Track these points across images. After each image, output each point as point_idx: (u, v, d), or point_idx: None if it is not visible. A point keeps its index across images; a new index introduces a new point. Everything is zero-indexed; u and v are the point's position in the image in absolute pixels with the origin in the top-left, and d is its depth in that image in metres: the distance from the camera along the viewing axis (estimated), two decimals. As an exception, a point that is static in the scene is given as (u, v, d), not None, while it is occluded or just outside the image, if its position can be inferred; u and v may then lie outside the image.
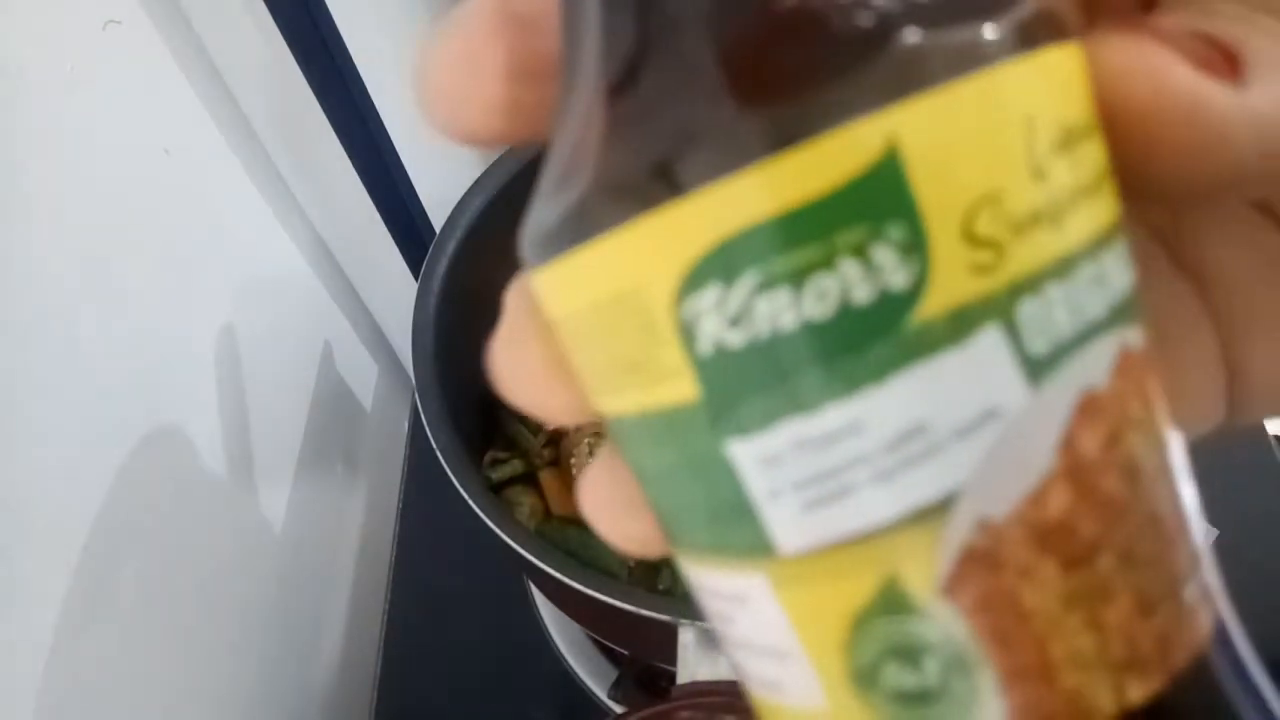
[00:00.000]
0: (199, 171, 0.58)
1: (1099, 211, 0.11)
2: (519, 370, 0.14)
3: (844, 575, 0.11)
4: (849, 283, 0.10)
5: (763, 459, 0.11)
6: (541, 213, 0.12)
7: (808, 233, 0.10)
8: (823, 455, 0.11)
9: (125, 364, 0.49)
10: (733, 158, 0.10)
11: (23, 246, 0.42)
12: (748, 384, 0.11)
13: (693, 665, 0.38)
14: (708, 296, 0.10)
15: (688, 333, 0.11)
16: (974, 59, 0.10)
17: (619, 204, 0.11)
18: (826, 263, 0.10)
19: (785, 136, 0.10)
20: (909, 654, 0.11)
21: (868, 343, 0.10)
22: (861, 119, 0.10)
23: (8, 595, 0.40)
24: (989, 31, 0.10)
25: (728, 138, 0.10)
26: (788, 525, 0.11)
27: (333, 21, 0.56)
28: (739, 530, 0.12)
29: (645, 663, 0.61)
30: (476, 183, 0.55)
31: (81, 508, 0.45)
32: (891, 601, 0.11)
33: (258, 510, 0.63)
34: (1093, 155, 0.11)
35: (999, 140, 0.10)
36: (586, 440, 0.54)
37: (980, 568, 0.11)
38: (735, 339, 0.11)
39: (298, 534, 0.68)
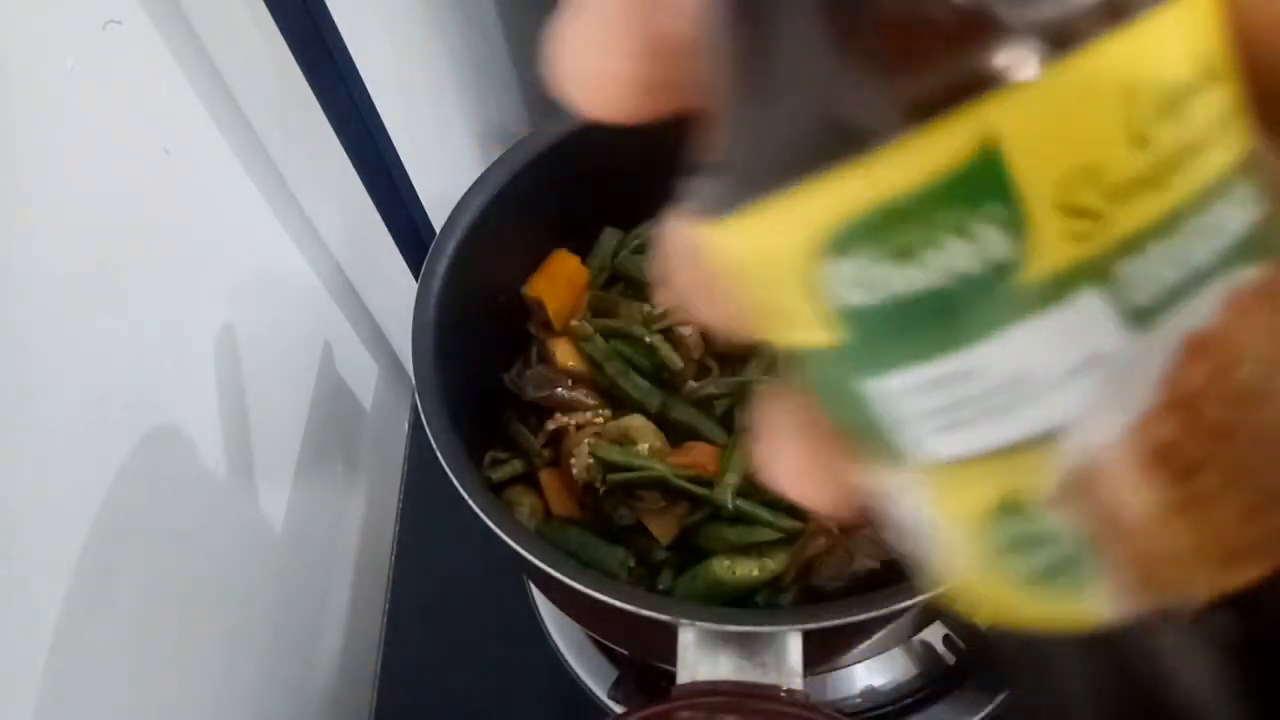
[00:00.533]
0: (199, 171, 0.58)
1: (1214, 160, 0.12)
2: (697, 295, 0.16)
3: (972, 484, 0.13)
4: (958, 254, 0.11)
5: (895, 394, 0.13)
6: (703, 182, 0.14)
7: (920, 212, 0.11)
8: (943, 394, 0.12)
9: (125, 364, 0.49)
10: (858, 141, 0.11)
11: (22, 246, 0.42)
12: (878, 336, 0.12)
13: (693, 665, 0.37)
14: (842, 262, 0.12)
15: (826, 291, 0.12)
16: (1074, 35, 0.11)
17: (770, 177, 0.12)
18: (936, 237, 0.11)
19: (905, 121, 0.11)
20: (1028, 547, 0.13)
21: (978, 305, 0.12)
22: (965, 105, 0.11)
23: (8, 595, 0.40)
24: (1090, 3, 0.11)
25: (853, 125, 0.11)
26: (920, 445, 0.13)
27: (333, 21, 0.56)
28: (884, 446, 0.14)
29: (645, 663, 0.61)
30: (476, 183, 0.55)
31: (81, 508, 0.45)
32: (1011, 507, 0.13)
33: (258, 510, 0.63)
34: (1211, 103, 0.12)
35: (1097, 116, 0.11)
36: (587, 440, 0.54)
37: (1089, 484, 0.12)
38: (866, 298, 0.12)
39: (298, 534, 0.68)
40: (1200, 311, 0.12)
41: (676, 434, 0.56)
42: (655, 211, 0.61)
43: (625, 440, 0.54)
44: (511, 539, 0.42)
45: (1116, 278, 0.11)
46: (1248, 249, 0.12)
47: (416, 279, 0.51)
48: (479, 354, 0.58)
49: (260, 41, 0.56)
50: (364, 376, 0.82)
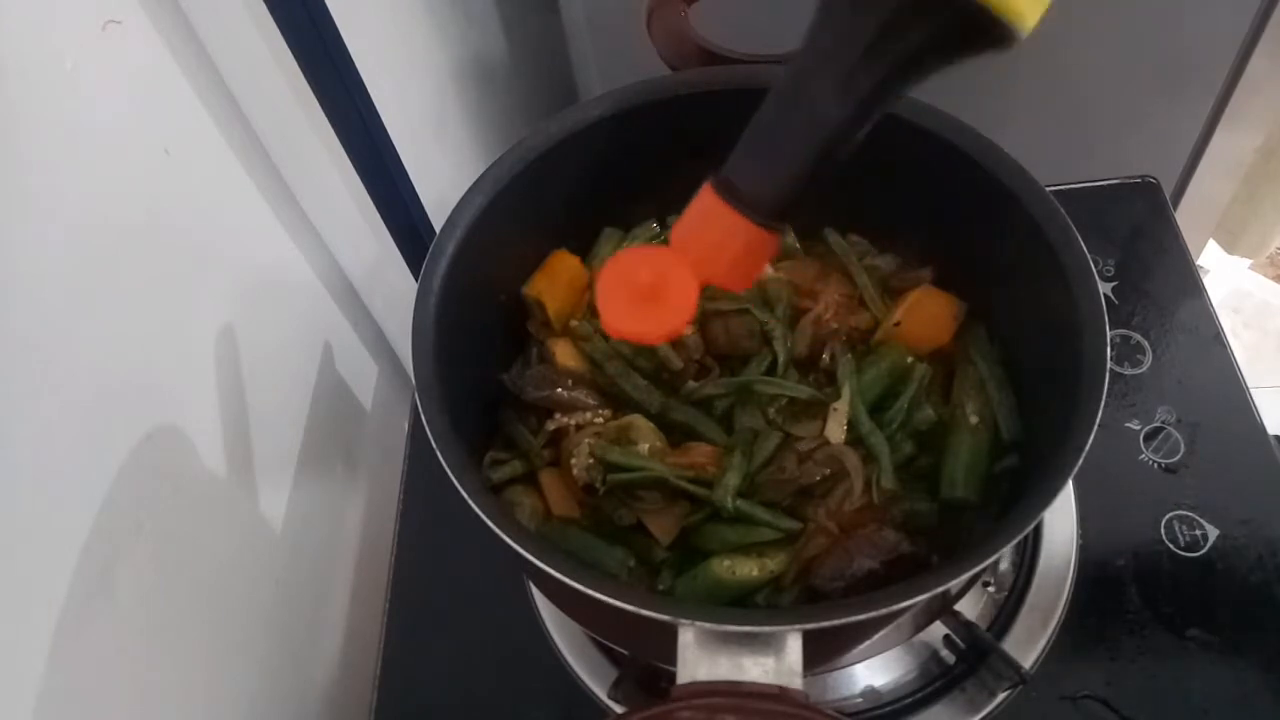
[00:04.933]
0: (199, 171, 0.58)
1: None
2: None
3: None
4: None
5: None
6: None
7: None
8: None
9: (125, 364, 0.49)
10: None
11: (22, 246, 0.42)
12: None
13: (693, 665, 0.37)
14: None
15: None
16: None
17: None
18: None
19: None
20: None
21: None
22: None
23: (8, 595, 0.40)
24: None
25: None
26: None
27: (333, 21, 0.56)
28: None
29: (645, 663, 0.61)
30: (476, 183, 0.55)
31: (82, 507, 0.45)
32: None
33: (258, 510, 0.63)
34: None
35: None
36: (587, 440, 0.54)
37: None
38: None
39: (298, 534, 0.68)
40: None
41: (676, 434, 0.56)
42: (655, 211, 0.62)
43: (625, 440, 0.54)
44: (511, 539, 0.42)
45: None
46: None
47: (416, 279, 0.51)
48: (479, 354, 0.58)
49: (260, 41, 0.56)
50: (364, 376, 0.82)
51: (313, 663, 0.70)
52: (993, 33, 0.30)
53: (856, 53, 0.32)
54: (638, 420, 0.55)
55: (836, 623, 0.39)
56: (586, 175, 0.59)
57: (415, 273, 0.63)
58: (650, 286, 0.39)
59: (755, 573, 0.50)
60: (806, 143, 0.36)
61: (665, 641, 0.39)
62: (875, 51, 0.32)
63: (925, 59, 0.32)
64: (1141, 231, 0.81)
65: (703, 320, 0.60)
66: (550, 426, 0.57)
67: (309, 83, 0.58)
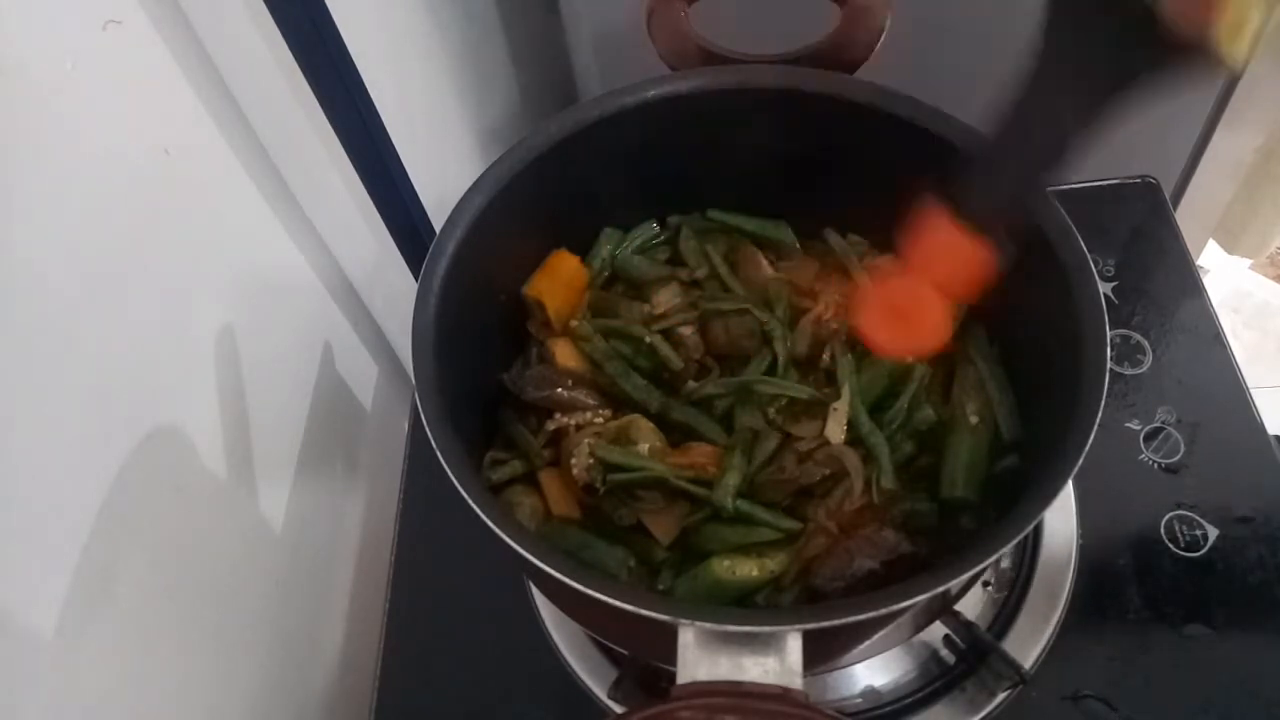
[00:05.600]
0: (199, 171, 0.58)
1: None
2: None
3: None
4: None
5: None
6: None
7: None
8: None
9: (125, 364, 0.49)
10: None
11: (23, 246, 0.42)
12: None
13: (693, 665, 0.37)
14: None
15: None
16: None
17: None
18: None
19: None
20: None
21: None
22: None
23: (7, 595, 0.40)
24: None
25: None
26: None
27: (333, 21, 0.56)
28: None
29: (645, 663, 0.62)
30: (476, 183, 0.55)
31: (81, 508, 0.45)
32: None
33: (258, 510, 0.63)
34: None
35: None
36: (587, 440, 0.54)
37: None
38: None
39: (298, 534, 0.68)
40: None
41: (676, 434, 0.56)
42: (655, 211, 0.62)
43: (625, 440, 0.54)
44: (511, 539, 0.42)
45: None
46: None
47: (416, 279, 0.51)
48: (479, 354, 0.58)
49: (260, 41, 0.56)
50: (364, 376, 0.82)
51: (313, 663, 0.70)
52: (1211, 63, 0.34)
53: (1087, 84, 0.37)
54: (638, 420, 0.55)
55: (836, 623, 0.39)
56: (586, 175, 0.59)
57: (415, 273, 0.63)
58: (906, 311, 0.45)
59: (755, 573, 0.50)
60: (1042, 162, 0.40)
61: (665, 641, 0.39)
62: (1105, 79, 0.36)
63: (1146, 88, 0.36)
64: (1141, 231, 0.81)
65: (703, 320, 0.60)
66: (550, 426, 0.57)
67: (309, 83, 0.58)
